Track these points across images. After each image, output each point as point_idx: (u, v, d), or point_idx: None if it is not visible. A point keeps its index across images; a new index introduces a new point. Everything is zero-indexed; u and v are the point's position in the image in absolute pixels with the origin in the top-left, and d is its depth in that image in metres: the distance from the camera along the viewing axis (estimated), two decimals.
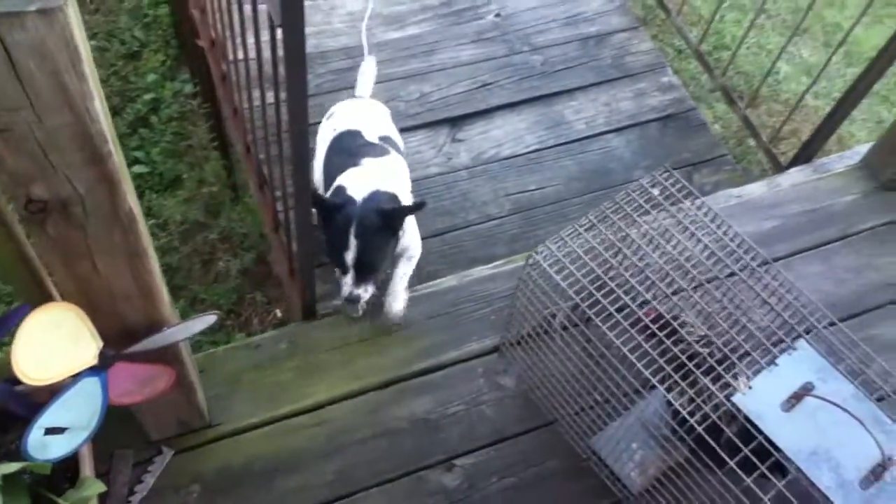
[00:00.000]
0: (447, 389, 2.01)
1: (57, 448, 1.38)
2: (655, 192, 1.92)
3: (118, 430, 1.53)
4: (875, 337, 2.14)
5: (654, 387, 1.91)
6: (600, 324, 1.68)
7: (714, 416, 1.57)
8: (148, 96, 3.52)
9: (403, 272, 2.12)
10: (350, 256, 1.87)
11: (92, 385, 1.38)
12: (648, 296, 1.80)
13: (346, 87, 2.82)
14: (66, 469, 1.51)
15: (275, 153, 2.07)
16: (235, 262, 2.94)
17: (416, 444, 1.92)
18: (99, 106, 1.13)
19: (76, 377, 1.35)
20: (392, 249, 2.01)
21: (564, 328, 1.96)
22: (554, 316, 1.95)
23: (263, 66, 1.88)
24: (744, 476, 1.49)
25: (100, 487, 1.48)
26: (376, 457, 1.89)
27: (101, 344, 1.37)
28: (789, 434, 1.49)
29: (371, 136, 2.22)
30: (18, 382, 1.59)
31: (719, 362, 1.66)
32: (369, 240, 1.87)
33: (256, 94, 2.23)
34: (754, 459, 1.50)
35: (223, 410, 1.88)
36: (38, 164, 1.14)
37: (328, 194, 2.04)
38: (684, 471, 1.81)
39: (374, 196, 1.93)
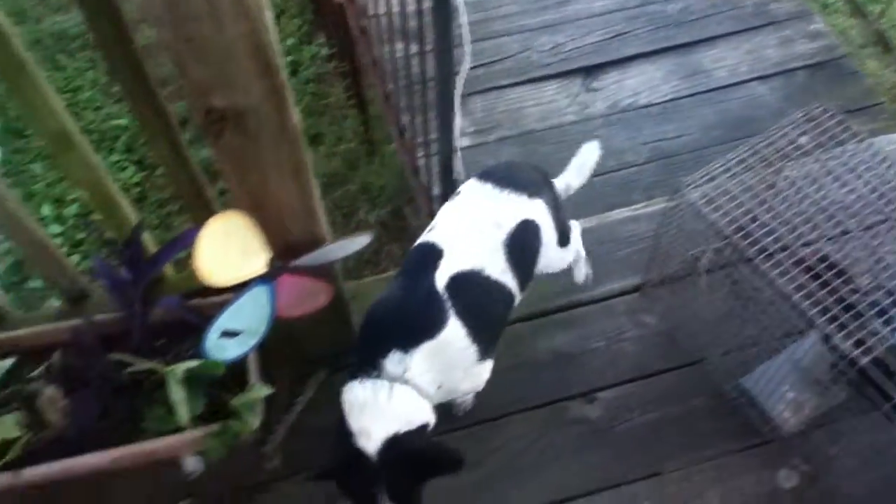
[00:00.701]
0: (588, 325, 2.01)
1: (231, 350, 1.48)
2: (805, 137, 1.83)
3: (280, 349, 1.61)
4: None
5: (808, 328, 1.85)
6: (759, 262, 1.62)
7: (878, 353, 1.49)
8: (287, 59, 3.66)
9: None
10: None
11: (262, 293, 1.47)
12: (813, 236, 1.72)
13: (477, 40, 2.85)
14: (235, 377, 1.60)
15: (415, 102, 2.13)
16: (373, 214, 3.04)
17: (557, 375, 1.94)
18: (270, 18, 1.20)
19: (248, 285, 1.45)
20: None
21: (711, 269, 1.91)
22: (703, 254, 1.91)
23: (405, 18, 1.94)
24: None
25: (266, 390, 1.58)
26: (517, 386, 1.91)
27: (269, 255, 1.46)
28: None
29: (447, 270, 1.52)
30: (192, 297, 1.73)
31: (874, 305, 1.58)
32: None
33: (395, 46, 2.29)
34: None
35: None
36: (217, 74, 1.22)
37: None
38: (841, 412, 1.74)
39: (396, 446, 1.39)
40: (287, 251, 1.50)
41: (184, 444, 1.62)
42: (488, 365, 1.61)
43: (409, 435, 1.41)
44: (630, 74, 2.83)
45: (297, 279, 1.52)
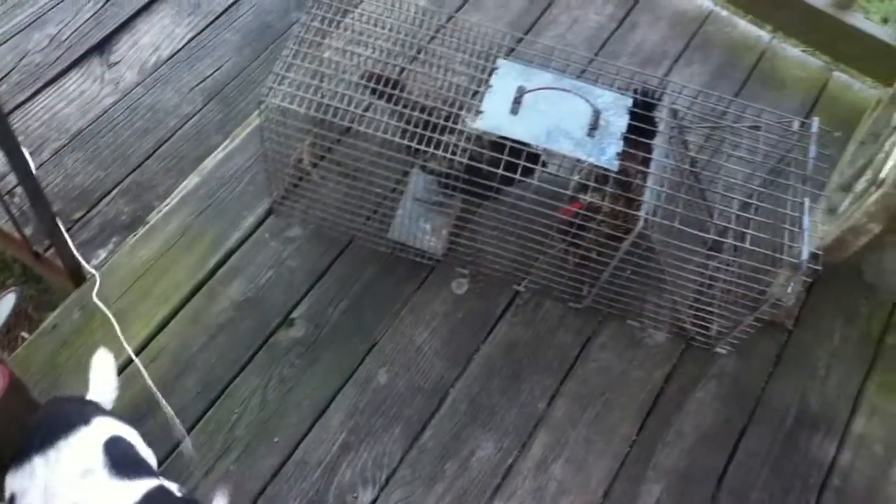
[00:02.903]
0: (250, 265, 2.10)
1: None
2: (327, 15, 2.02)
3: None
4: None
5: (410, 165, 2.15)
6: (356, 126, 1.82)
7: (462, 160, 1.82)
8: None
9: None
10: None
11: None
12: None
13: None
14: None
15: None
16: None
17: (252, 321, 2.03)
18: None
19: None
20: None
21: (321, 158, 2.10)
22: (302, 152, 2.08)
23: None
24: (513, 176, 1.77)
25: None
26: (225, 351, 1.96)
27: None
28: (525, 129, 1.80)
29: None
30: None
31: (448, 117, 1.88)
32: None
33: None
34: (514, 162, 1.76)
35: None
36: None
37: None
38: (468, 213, 2.11)
39: None
40: None
41: None
42: None
43: None
44: (141, 32, 2.76)
45: None
